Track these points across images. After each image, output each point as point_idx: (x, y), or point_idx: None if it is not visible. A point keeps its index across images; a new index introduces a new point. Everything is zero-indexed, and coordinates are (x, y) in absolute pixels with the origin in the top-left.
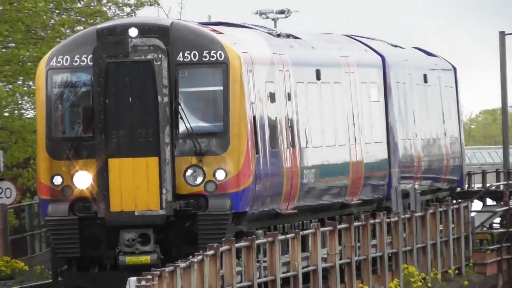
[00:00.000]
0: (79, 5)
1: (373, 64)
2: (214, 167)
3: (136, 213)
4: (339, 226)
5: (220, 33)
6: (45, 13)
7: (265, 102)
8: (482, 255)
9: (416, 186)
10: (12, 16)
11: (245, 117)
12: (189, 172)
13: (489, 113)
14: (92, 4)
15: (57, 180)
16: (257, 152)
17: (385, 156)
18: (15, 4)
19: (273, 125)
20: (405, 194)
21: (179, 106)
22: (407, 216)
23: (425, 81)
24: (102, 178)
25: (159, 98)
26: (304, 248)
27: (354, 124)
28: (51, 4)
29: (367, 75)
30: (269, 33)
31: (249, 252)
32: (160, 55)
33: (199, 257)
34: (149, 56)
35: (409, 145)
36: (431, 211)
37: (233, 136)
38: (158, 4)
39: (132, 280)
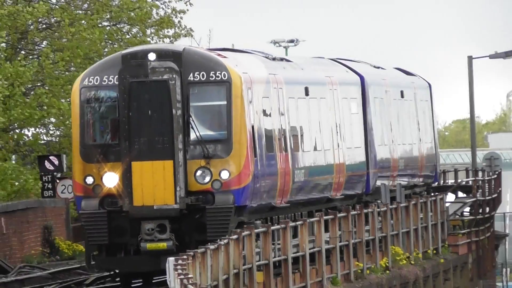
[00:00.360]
0: (127, 36)
1: (353, 82)
2: (220, 168)
3: (155, 207)
4: (338, 215)
5: (224, 57)
6: (100, 42)
7: (262, 114)
8: (455, 238)
9: (395, 183)
10: (73, 44)
11: (245, 126)
12: (198, 172)
13: (459, 122)
14: (138, 35)
15: (89, 180)
16: (255, 156)
17: (363, 159)
18: (76, 36)
19: (268, 133)
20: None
21: (190, 118)
22: (393, 206)
23: (402, 96)
24: (126, 178)
25: (174, 111)
26: (311, 233)
27: (337, 132)
28: (105, 35)
29: (348, 92)
30: (265, 57)
31: (266, 236)
32: (174, 76)
33: (225, 241)
34: (165, 77)
35: (386, 149)
36: (413, 202)
37: (235, 143)
38: (192, 36)
39: (171, 259)
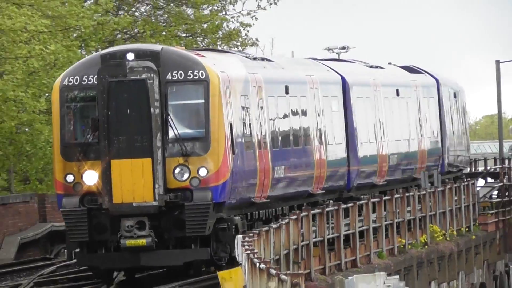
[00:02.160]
0: (201, 45)
1: (333, 82)
2: (198, 166)
3: (134, 204)
4: (384, 198)
5: (203, 56)
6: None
7: (241, 112)
8: (484, 218)
9: (385, 178)
10: None
11: (223, 124)
12: (177, 170)
13: (488, 117)
14: (211, 45)
15: (70, 178)
16: (234, 153)
17: (345, 155)
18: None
19: (247, 130)
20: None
21: (169, 116)
22: (431, 190)
23: (397, 94)
24: (106, 176)
25: (152, 110)
26: (359, 213)
27: (317, 129)
28: (182, 45)
29: (328, 90)
30: (246, 57)
31: (321, 217)
32: (152, 75)
33: (286, 221)
34: (143, 76)
35: (372, 146)
36: (448, 187)
37: (213, 140)
38: (257, 45)
39: (239, 237)
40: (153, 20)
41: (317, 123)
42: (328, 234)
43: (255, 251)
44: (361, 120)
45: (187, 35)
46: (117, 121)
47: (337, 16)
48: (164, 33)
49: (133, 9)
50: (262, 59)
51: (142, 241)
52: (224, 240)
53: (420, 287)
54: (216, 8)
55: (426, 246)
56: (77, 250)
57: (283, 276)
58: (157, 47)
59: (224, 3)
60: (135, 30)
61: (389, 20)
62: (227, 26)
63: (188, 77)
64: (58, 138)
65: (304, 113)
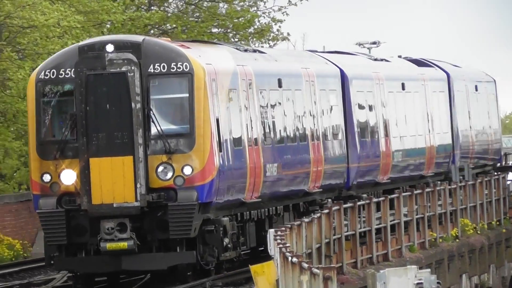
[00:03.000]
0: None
1: (332, 75)
2: (182, 164)
3: (114, 205)
4: (415, 192)
5: (187, 47)
6: None
7: (228, 106)
8: None
9: (388, 176)
10: None
11: (209, 119)
12: (160, 168)
13: None
14: (242, 41)
15: (46, 177)
16: (221, 150)
17: (344, 151)
18: None
19: (236, 126)
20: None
21: (151, 111)
22: (462, 184)
23: (403, 88)
24: (84, 175)
25: (133, 105)
26: (391, 207)
27: (314, 124)
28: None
29: (326, 84)
30: (236, 49)
31: (353, 210)
32: (133, 67)
33: (318, 214)
34: (124, 69)
35: (374, 142)
36: (479, 180)
37: (198, 136)
38: (289, 40)
39: (271, 231)
40: (185, 16)
41: (314, 118)
42: (360, 228)
43: (287, 245)
44: (362, 114)
45: (219, 30)
46: (96, 117)
47: (369, 10)
48: (196, 29)
49: (165, 5)
50: (254, 51)
51: (123, 244)
52: (211, 243)
53: (451, 280)
54: (247, 4)
55: (457, 240)
56: (56, 253)
57: (315, 270)
58: (138, 38)
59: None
60: (167, 26)
61: (423, 15)
62: (259, 21)
63: (172, 70)
64: (34, 135)
65: (299, 107)
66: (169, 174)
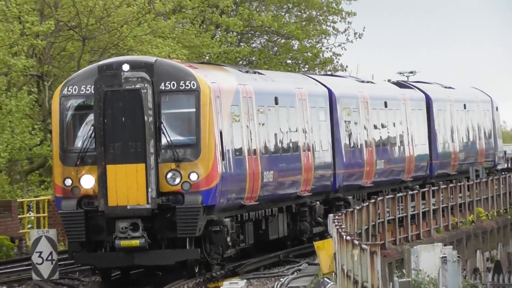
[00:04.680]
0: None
1: (321, 94)
2: (189, 171)
3: (128, 207)
4: (441, 186)
5: (195, 68)
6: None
7: (231, 120)
8: None
9: (371, 180)
10: None
11: (213, 132)
12: (169, 175)
13: None
14: (310, 71)
15: (68, 182)
16: (223, 159)
17: (330, 160)
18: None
19: (237, 138)
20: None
21: (162, 124)
22: (477, 181)
23: (385, 106)
24: (102, 180)
25: (146, 118)
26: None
27: (305, 137)
28: (289, 70)
29: (316, 102)
30: (239, 70)
31: (393, 200)
32: (146, 85)
33: (366, 204)
34: (138, 86)
35: (359, 151)
36: (490, 178)
37: (204, 147)
38: (346, 70)
39: (330, 216)
40: (266, 51)
41: (305, 132)
42: (398, 214)
43: (343, 226)
44: (348, 128)
45: (292, 62)
46: (112, 129)
47: (410, 44)
48: (274, 61)
49: (251, 42)
50: (254, 72)
51: (135, 242)
52: (217, 242)
53: (468, 254)
54: (314, 41)
55: (473, 224)
56: (78, 249)
57: (364, 246)
58: (151, 59)
59: (320, 38)
60: (252, 58)
61: (454, 47)
62: (323, 55)
63: (180, 87)
64: (58, 144)
65: (292, 122)
66: (177, 180)
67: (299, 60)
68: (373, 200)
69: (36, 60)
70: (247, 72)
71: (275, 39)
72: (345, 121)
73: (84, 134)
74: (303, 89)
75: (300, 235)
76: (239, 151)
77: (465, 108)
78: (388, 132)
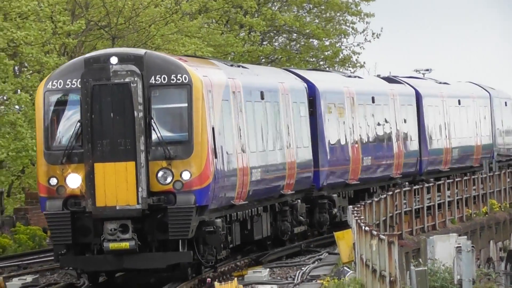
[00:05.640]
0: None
1: (301, 89)
2: (181, 169)
3: (117, 207)
4: (456, 179)
5: (185, 61)
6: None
7: (222, 116)
8: None
9: (364, 176)
10: None
11: (206, 128)
12: (160, 173)
13: None
14: (329, 68)
15: (53, 181)
16: (216, 157)
17: (311, 157)
18: None
19: (228, 134)
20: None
21: (152, 120)
22: (491, 174)
23: (373, 101)
24: (89, 179)
25: (135, 114)
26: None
27: (288, 133)
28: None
29: (297, 97)
30: (224, 64)
31: (410, 192)
32: (136, 79)
33: (384, 196)
34: (127, 80)
35: (344, 148)
36: (503, 171)
37: (196, 144)
38: (364, 67)
39: (350, 207)
40: (288, 49)
41: (288, 128)
42: (415, 206)
43: (362, 217)
44: (332, 124)
45: (313, 60)
46: (100, 125)
47: (425, 42)
48: (296, 58)
49: (273, 41)
50: (238, 65)
51: (125, 244)
52: (211, 244)
53: (482, 244)
54: (334, 40)
55: (486, 215)
56: (64, 252)
57: (382, 236)
58: (141, 51)
59: (340, 37)
60: (274, 57)
61: (466, 44)
62: (342, 53)
63: (172, 81)
64: (42, 141)
65: (277, 118)
66: (169, 179)
67: (319, 58)
68: (390, 192)
69: (68, 58)
70: (232, 65)
71: (296, 38)
72: (329, 116)
73: (70, 131)
74: (285, 84)
75: (282, 235)
76: (230, 149)
77: (459, 103)
78: (376, 128)
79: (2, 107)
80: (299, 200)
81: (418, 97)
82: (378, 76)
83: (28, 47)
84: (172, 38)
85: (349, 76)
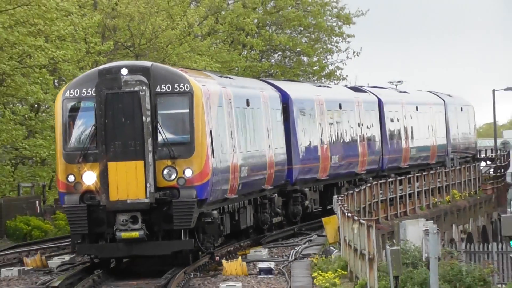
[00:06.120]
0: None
1: (276, 97)
2: (184, 167)
3: (128, 201)
4: (424, 173)
5: (186, 72)
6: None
7: (217, 120)
8: (485, 185)
9: (327, 173)
10: None
11: (205, 131)
12: (165, 171)
13: (488, 124)
14: (318, 81)
15: (71, 178)
16: (214, 156)
17: (285, 156)
18: None
19: (222, 136)
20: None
21: (158, 124)
22: (452, 168)
23: (340, 107)
24: (103, 176)
25: (144, 118)
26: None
27: (268, 135)
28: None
29: (274, 104)
30: (216, 75)
31: (385, 185)
32: (144, 87)
33: (363, 187)
34: (136, 88)
35: (315, 148)
36: (463, 166)
37: (197, 145)
38: (346, 80)
39: (335, 196)
40: (282, 64)
41: (268, 131)
42: (389, 195)
43: (345, 205)
44: (304, 127)
45: (303, 73)
46: (113, 128)
47: (398, 55)
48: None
49: (270, 58)
50: (226, 77)
51: (135, 234)
52: (210, 232)
53: (446, 227)
54: (321, 57)
55: (449, 203)
56: (80, 241)
57: (362, 221)
58: (148, 63)
59: (326, 55)
60: (271, 71)
61: (437, 55)
62: (328, 68)
63: (175, 90)
64: (61, 143)
65: (260, 122)
66: (173, 176)
67: (309, 72)
68: (369, 184)
69: None
70: (221, 76)
71: (289, 55)
72: (301, 121)
73: (86, 134)
74: (265, 93)
75: (262, 225)
76: (224, 149)
77: (417, 109)
78: (342, 131)
79: (44, 114)
80: (276, 194)
81: (380, 104)
82: (346, 86)
83: (65, 64)
84: (186, 56)
85: (319, 86)
